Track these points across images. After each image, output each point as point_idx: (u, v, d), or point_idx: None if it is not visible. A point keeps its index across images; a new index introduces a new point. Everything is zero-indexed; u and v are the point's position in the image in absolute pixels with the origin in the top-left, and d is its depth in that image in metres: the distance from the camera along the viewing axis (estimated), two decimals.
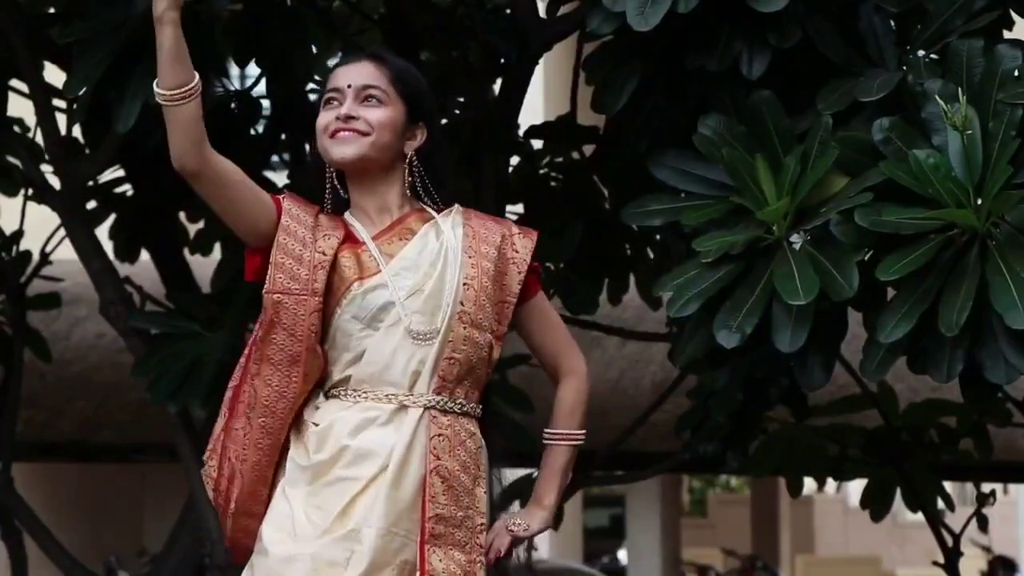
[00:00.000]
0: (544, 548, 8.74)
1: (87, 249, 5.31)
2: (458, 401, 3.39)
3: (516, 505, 5.41)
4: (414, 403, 3.35)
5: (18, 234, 6.01)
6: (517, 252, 3.48)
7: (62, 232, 5.60)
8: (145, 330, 5.19)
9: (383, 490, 3.30)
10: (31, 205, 5.90)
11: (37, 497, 7.05)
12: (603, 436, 6.40)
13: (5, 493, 5.87)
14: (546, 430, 3.53)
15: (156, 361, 5.01)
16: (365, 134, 3.41)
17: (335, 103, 3.44)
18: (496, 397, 3.65)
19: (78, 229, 5.33)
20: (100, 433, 8.09)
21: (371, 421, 3.34)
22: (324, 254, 3.38)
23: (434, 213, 3.47)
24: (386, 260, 3.40)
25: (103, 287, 5.29)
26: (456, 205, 3.51)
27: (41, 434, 7.92)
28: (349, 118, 3.41)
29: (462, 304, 3.37)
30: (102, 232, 5.67)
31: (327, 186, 3.47)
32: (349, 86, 3.44)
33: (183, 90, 3.25)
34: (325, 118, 3.44)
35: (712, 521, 23.19)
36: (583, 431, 3.53)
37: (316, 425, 3.38)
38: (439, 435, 3.35)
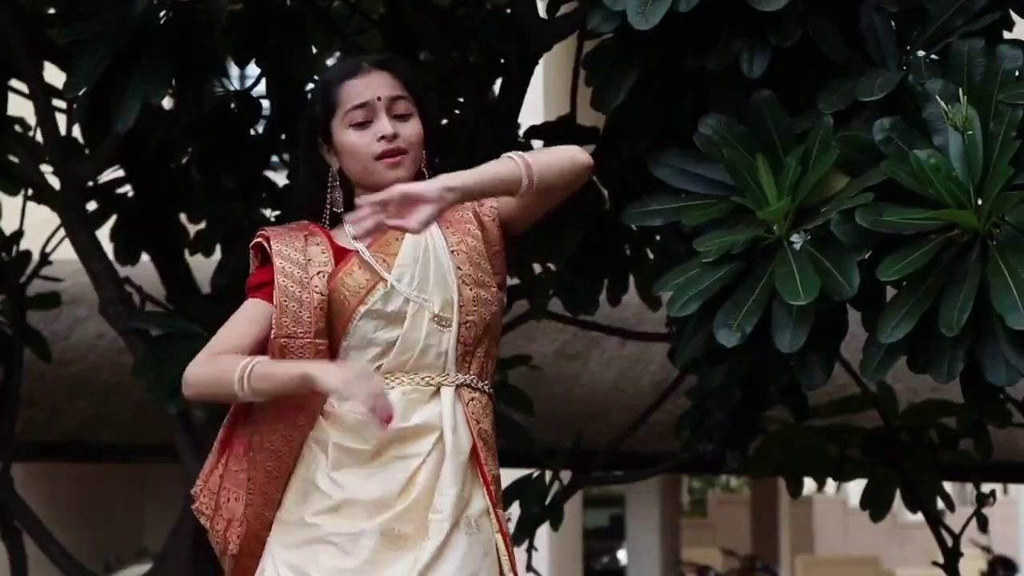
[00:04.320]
0: (544, 548, 8.70)
1: (87, 249, 5.31)
2: (473, 376, 3.43)
3: (515, 507, 5.42)
4: (447, 381, 3.38)
5: (18, 234, 6.01)
6: (483, 205, 3.49)
7: (62, 232, 5.60)
8: (145, 330, 5.19)
9: (448, 458, 3.33)
10: (31, 205, 5.90)
11: (37, 497, 7.06)
12: (603, 436, 6.41)
13: (5, 493, 5.87)
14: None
15: (156, 362, 5.00)
16: (406, 152, 3.43)
17: (365, 119, 3.42)
18: (496, 398, 3.65)
19: (78, 229, 5.33)
20: (100, 433, 8.08)
21: (415, 402, 3.36)
22: (322, 294, 3.37)
23: None
24: (383, 262, 3.40)
25: (103, 287, 5.29)
26: None
27: (41, 434, 7.90)
28: (395, 137, 3.41)
29: (459, 268, 3.41)
30: (102, 233, 5.67)
31: (329, 195, 3.46)
32: (379, 99, 3.42)
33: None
34: (364, 139, 3.41)
35: (712, 521, 23.21)
36: (535, 165, 3.38)
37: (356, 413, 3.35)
38: (472, 400, 3.41)
